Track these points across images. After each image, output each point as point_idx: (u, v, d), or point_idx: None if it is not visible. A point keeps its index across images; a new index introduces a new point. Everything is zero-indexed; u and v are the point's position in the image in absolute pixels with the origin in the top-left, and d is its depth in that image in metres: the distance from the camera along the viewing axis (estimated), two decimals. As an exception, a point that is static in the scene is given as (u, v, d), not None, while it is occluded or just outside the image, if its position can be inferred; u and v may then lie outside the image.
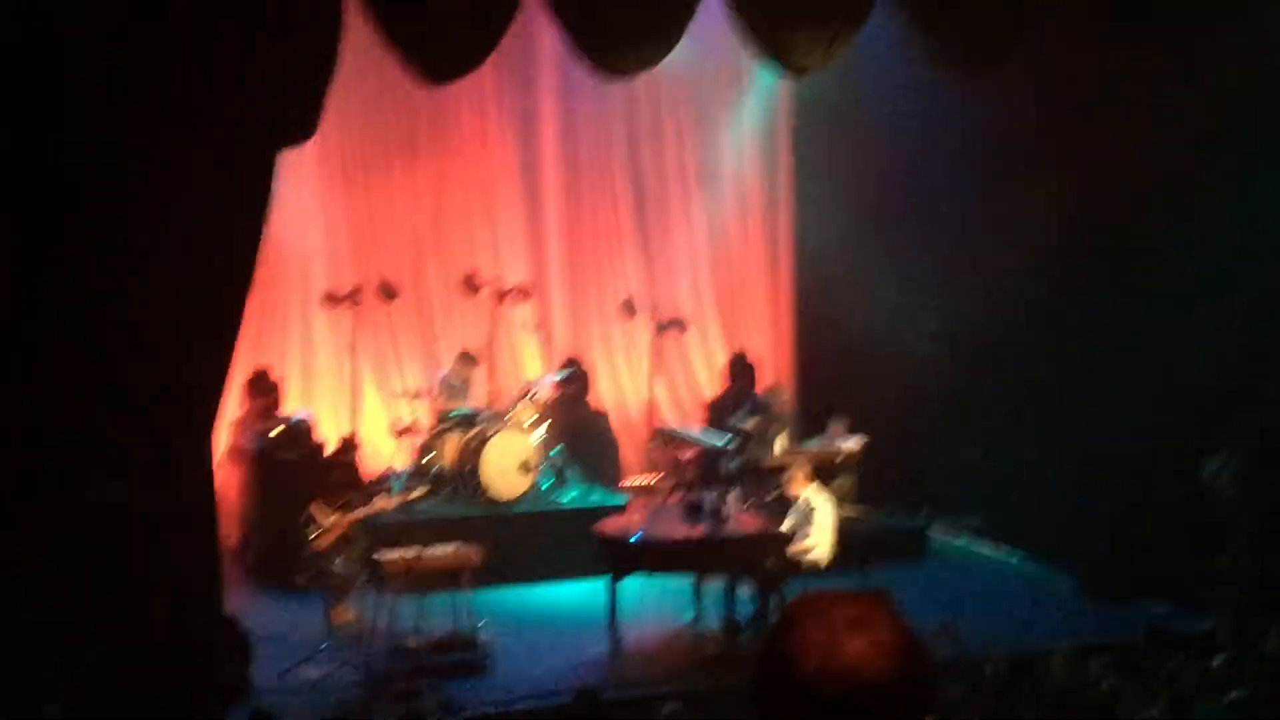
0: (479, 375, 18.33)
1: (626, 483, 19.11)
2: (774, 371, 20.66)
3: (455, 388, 17.87)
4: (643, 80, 16.81)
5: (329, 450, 16.68)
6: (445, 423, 17.36)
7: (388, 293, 18.79)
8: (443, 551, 14.38)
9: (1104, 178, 16.20)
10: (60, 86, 11.25)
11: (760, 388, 19.78)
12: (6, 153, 11.21)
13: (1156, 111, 15.45)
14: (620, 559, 14.84)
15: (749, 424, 18.08)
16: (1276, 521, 15.00)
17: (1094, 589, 16.28)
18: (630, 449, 19.83)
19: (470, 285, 19.03)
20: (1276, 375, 15.06)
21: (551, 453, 17.60)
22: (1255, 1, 14.64)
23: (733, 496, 15.81)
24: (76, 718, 11.02)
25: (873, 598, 2.61)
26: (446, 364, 18.39)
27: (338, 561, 14.76)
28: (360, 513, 14.97)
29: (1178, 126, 15.15)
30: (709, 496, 15.43)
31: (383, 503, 15.42)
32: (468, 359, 18.10)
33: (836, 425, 18.01)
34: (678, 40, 14.27)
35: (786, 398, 18.74)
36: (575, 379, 19.11)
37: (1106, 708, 11.13)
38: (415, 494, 15.75)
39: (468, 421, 17.29)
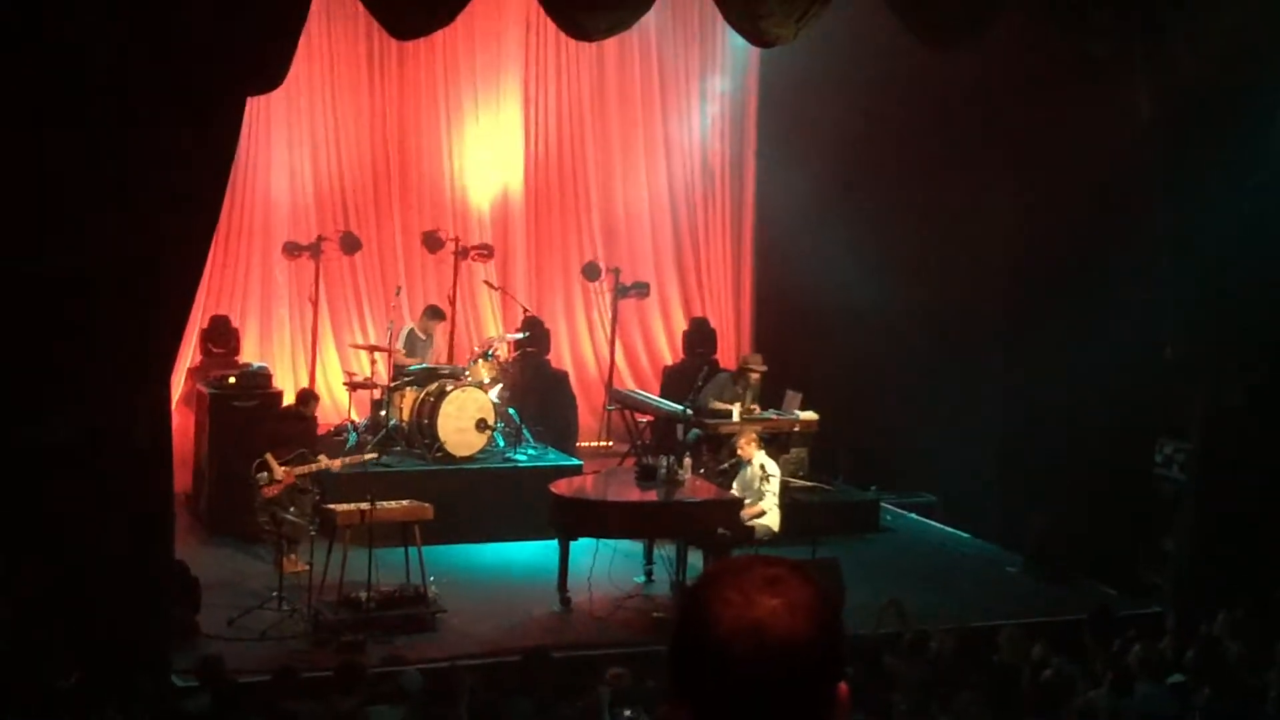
0: (439, 330, 18.29)
1: (582, 445, 19.15)
2: (734, 341, 20.70)
3: (420, 341, 17.81)
4: (613, 43, 16.82)
5: (286, 400, 16.64)
6: (403, 377, 17.32)
7: (350, 245, 18.75)
8: (395, 505, 14.38)
9: (1060, 167, 16.30)
10: (31, 33, 11.20)
11: (719, 355, 19.87)
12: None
13: (1113, 102, 15.52)
14: (573, 520, 14.86)
15: (720, 402, 17.81)
16: (1222, 508, 15.11)
17: (1042, 569, 16.37)
18: (588, 411, 19.84)
19: (433, 241, 19.00)
20: (1226, 364, 15.16)
21: (509, 411, 17.58)
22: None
23: (687, 462, 15.84)
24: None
25: (791, 562, 2.63)
26: (407, 318, 18.33)
27: (290, 511, 14.76)
28: (314, 464, 14.97)
29: (1133, 118, 15.21)
30: (663, 461, 15.46)
31: (337, 455, 15.42)
32: (435, 312, 18.03)
33: (792, 397, 18.02)
34: (650, 5, 14.26)
35: (761, 366, 18.55)
36: (535, 339, 19.08)
37: (1051, 686, 11.22)
38: (370, 448, 15.74)
39: (425, 377, 17.25)
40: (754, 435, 15.95)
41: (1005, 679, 11.84)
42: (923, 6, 14.61)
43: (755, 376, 17.98)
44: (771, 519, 15.42)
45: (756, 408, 17.82)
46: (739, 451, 15.87)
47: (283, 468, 14.76)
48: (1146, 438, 16.50)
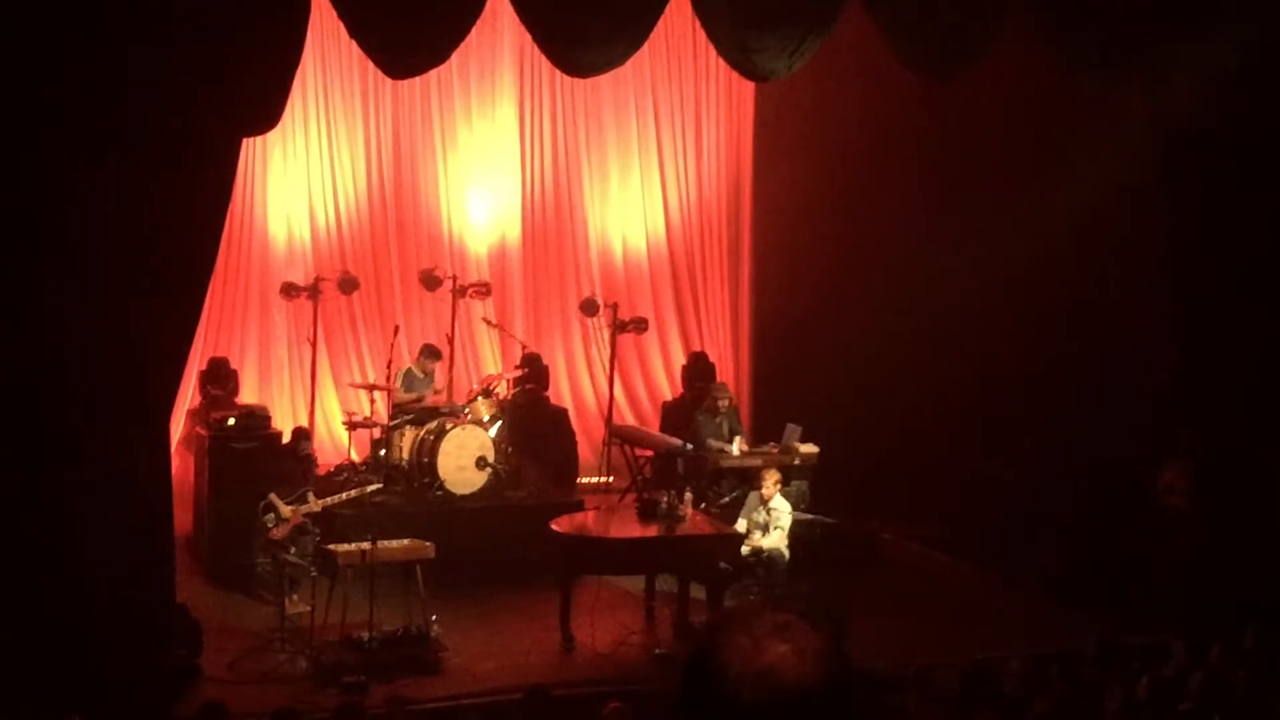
0: (438, 369, 18.25)
1: (583, 481, 19.10)
2: (733, 374, 20.65)
3: (418, 380, 17.76)
4: (608, 77, 16.82)
5: (285, 440, 16.59)
6: (402, 416, 17.28)
7: (348, 285, 18.73)
8: (397, 545, 14.33)
9: (1061, 196, 16.31)
10: (29, 75, 11.20)
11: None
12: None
13: (1109, 137, 15.57)
14: (574, 557, 14.82)
15: (710, 438, 17.76)
16: (1225, 533, 15.08)
17: (1047, 598, 16.31)
18: (587, 447, 19.79)
19: (431, 280, 18.97)
20: (1226, 389, 15.16)
21: (508, 449, 17.53)
22: (1216, 32, 14.70)
23: (688, 497, 15.80)
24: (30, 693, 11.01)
25: (799, 609, 2.62)
26: (406, 357, 18.29)
27: (291, 552, 14.71)
28: (315, 504, 14.92)
29: (1129, 153, 15.26)
30: (664, 497, 15.43)
31: (337, 495, 15.37)
32: (432, 352, 17.98)
33: (792, 430, 17.98)
34: (643, 41, 14.29)
35: (730, 394, 18.55)
36: (534, 375, 19.04)
37: (1058, 717, 11.15)
38: (370, 487, 15.70)
39: (425, 415, 17.21)
40: (778, 474, 16.01)
41: (1013, 712, 11.77)
42: (917, 39, 14.64)
43: (724, 404, 17.96)
44: (777, 553, 15.46)
45: (741, 439, 17.76)
46: (762, 489, 15.85)
47: (289, 507, 14.71)
48: (1149, 464, 16.47)
